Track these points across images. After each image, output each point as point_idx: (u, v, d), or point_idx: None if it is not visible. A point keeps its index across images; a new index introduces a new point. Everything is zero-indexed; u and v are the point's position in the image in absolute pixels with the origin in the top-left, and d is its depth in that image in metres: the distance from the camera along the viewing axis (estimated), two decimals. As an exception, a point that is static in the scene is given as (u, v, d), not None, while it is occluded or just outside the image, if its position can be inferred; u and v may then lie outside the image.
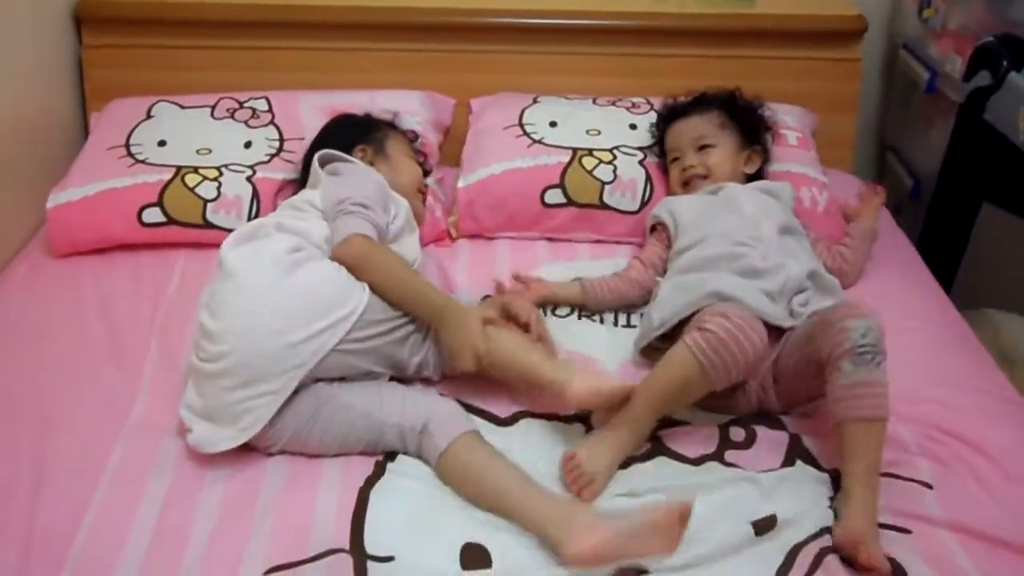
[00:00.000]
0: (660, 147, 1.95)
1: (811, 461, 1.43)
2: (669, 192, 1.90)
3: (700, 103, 1.91)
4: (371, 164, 1.76)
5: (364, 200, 1.57)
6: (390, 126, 1.91)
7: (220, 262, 1.48)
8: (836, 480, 1.37)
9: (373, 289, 1.49)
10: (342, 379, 1.45)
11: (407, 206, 1.72)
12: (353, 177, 1.67)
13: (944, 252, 2.16)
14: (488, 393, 1.53)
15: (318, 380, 1.42)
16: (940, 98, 2.24)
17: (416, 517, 1.30)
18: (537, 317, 1.59)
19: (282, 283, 1.44)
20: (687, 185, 1.84)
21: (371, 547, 1.25)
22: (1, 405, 1.47)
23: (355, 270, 1.50)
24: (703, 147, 1.84)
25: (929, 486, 1.36)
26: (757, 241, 1.63)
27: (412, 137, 1.94)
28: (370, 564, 1.22)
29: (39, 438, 1.40)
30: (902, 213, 2.39)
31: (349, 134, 1.82)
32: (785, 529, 1.29)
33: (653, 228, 1.82)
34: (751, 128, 1.88)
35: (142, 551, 1.24)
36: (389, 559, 1.23)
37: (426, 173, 1.93)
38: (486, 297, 1.71)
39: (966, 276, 2.19)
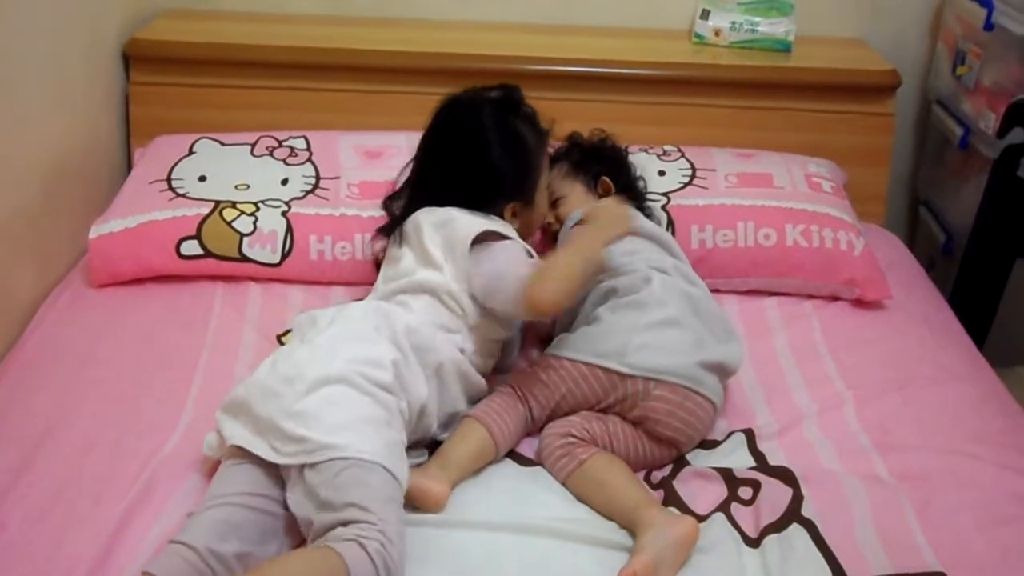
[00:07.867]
0: None
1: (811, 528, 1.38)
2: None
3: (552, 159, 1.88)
4: (514, 218, 1.68)
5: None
6: (551, 157, 1.82)
7: None
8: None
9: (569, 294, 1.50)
10: None
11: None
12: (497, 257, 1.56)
13: (977, 309, 2.14)
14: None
15: None
16: (973, 154, 2.23)
17: None
18: None
19: None
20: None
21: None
22: (41, 430, 1.49)
23: (555, 297, 1.47)
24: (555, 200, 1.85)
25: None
26: None
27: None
28: None
29: (77, 464, 1.42)
30: (935, 268, 2.37)
31: (508, 181, 1.66)
32: None
33: None
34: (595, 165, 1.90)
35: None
36: None
37: None
38: None
39: (999, 334, 2.17)
